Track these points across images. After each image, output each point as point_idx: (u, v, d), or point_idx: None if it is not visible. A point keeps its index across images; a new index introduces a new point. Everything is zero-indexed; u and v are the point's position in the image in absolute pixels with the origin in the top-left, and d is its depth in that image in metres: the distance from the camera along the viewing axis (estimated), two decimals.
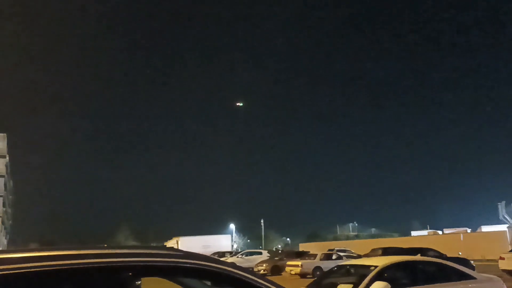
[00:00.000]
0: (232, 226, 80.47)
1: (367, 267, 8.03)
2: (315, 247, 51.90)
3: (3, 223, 63.42)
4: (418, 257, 13.44)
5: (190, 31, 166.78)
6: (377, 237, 70.88)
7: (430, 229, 70.45)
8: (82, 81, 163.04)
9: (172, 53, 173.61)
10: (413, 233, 71.69)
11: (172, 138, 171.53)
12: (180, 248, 41.17)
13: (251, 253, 38.76)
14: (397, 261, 8.39)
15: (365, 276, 7.58)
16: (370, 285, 7.15)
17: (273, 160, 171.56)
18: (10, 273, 1.57)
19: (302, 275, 26.29)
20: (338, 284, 8.09)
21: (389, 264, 8.04)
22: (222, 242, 53.83)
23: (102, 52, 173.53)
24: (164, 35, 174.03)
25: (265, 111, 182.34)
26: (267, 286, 2.23)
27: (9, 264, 1.59)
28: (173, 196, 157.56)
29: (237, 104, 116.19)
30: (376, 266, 7.78)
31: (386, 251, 23.64)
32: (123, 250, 1.95)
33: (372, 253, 25.50)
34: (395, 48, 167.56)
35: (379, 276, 7.43)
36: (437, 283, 7.76)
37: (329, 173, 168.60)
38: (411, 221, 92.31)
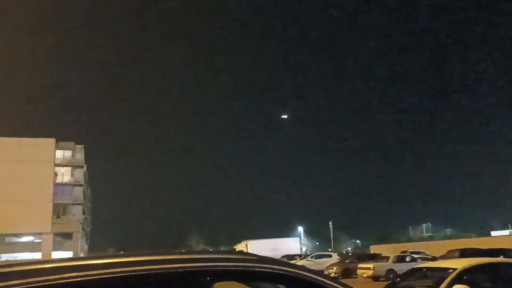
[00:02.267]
0: (300, 229, 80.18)
1: (445, 269, 7.68)
2: (386, 249, 50.28)
3: (83, 229, 67.54)
4: (501, 259, 12.65)
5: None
6: (453, 238, 67.62)
7: None
8: (155, 93, 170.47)
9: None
10: (493, 233, 68.03)
11: (244, 146, 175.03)
12: (249, 251, 41.73)
13: (321, 256, 38.29)
14: (478, 263, 7.95)
15: (443, 279, 7.27)
16: None
17: (340, 162, 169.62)
18: (105, 277, 1.69)
19: (375, 278, 25.66)
20: None
21: (469, 266, 7.64)
22: (290, 245, 53.89)
23: (175, 66, 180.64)
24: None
25: (326, 114, 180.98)
26: None
27: (104, 269, 1.72)
28: (243, 200, 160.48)
29: (282, 116, 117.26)
30: (455, 269, 7.43)
31: (464, 253, 22.49)
32: (201, 256, 2.02)
33: (449, 254, 24.43)
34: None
35: (458, 279, 7.09)
36: None
37: (399, 173, 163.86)
38: (491, 220, 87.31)
